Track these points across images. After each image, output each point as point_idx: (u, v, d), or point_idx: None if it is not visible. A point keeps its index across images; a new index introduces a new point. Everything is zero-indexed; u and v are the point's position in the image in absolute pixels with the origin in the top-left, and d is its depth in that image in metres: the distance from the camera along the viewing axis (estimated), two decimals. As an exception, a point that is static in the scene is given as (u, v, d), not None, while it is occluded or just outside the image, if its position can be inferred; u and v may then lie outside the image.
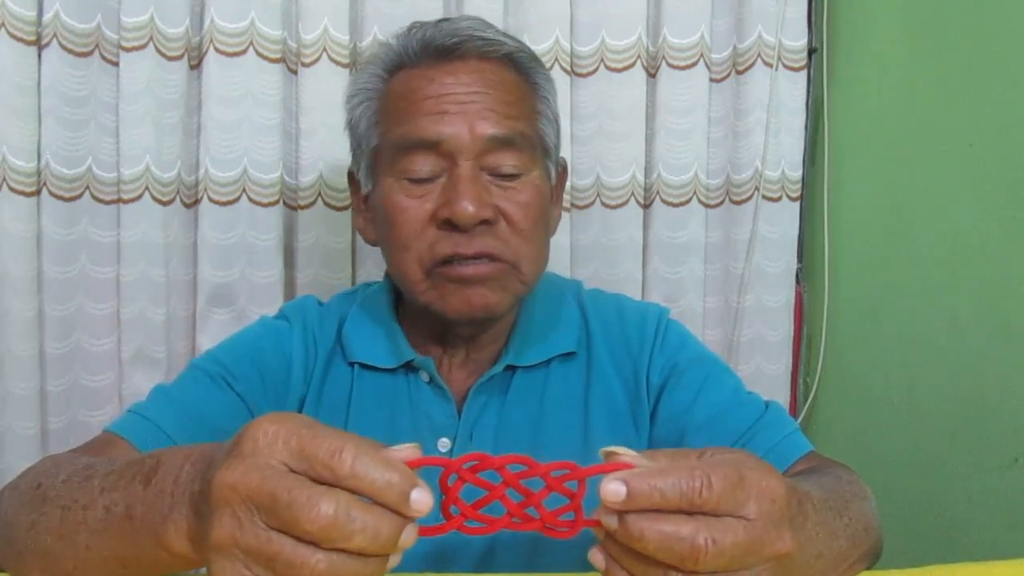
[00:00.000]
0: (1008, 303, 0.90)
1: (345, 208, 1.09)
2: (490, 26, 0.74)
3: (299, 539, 0.38)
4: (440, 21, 0.74)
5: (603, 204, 1.16)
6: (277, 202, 1.06)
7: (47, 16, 0.94)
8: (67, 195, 0.98)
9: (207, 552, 0.40)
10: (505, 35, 0.74)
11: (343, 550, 0.38)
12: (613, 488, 0.41)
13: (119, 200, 1.00)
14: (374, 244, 0.77)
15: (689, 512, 0.41)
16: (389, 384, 0.76)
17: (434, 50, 0.71)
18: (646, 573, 0.42)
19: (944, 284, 0.99)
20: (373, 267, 1.12)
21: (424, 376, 0.75)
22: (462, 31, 0.71)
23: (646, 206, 1.17)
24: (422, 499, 0.39)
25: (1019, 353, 0.89)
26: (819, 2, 1.18)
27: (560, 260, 1.13)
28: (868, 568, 0.65)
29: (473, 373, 0.76)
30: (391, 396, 0.76)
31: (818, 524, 0.50)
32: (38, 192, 0.96)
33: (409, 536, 0.40)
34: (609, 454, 0.43)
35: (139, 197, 1.00)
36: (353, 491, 0.39)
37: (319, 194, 1.08)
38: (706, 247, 1.19)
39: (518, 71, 0.74)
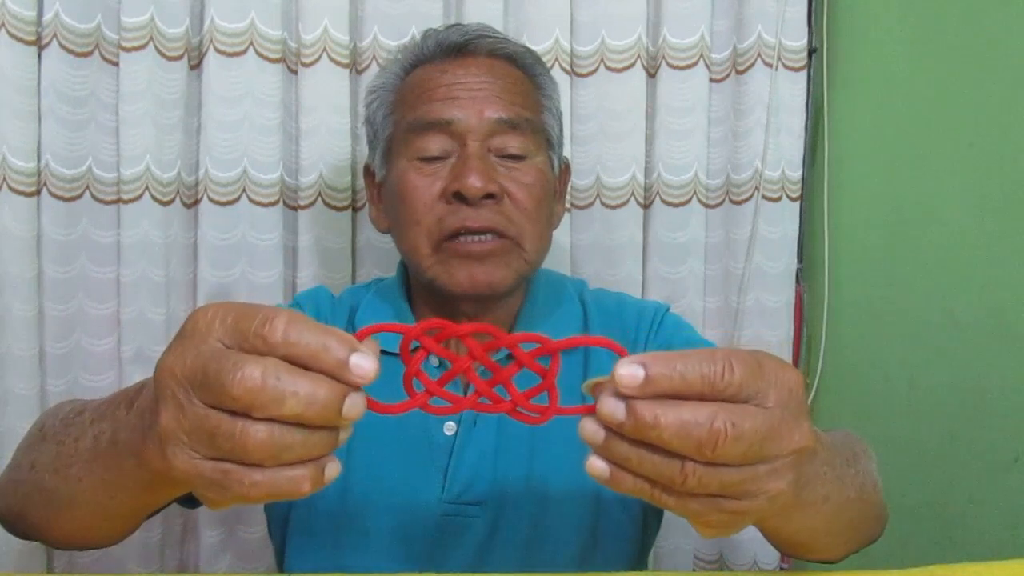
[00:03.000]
0: (1008, 303, 0.90)
1: (345, 208, 1.09)
2: (498, 31, 0.82)
3: (235, 412, 0.37)
4: (452, 25, 0.81)
5: (603, 204, 1.16)
6: (277, 202, 1.06)
7: (47, 16, 0.94)
8: (67, 195, 0.98)
9: (162, 447, 0.40)
10: (511, 39, 0.81)
11: (284, 421, 0.37)
12: (630, 371, 0.38)
13: (119, 200, 1.00)
14: (386, 232, 0.82)
15: (707, 399, 0.38)
16: (399, 368, 0.77)
17: (447, 47, 0.78)
18: (658, 469, 0.39)
19: (944, 284, 0.99)
20: (373, 267, 1.12)
21: (433, 360, 0.77)
22: (472, 31, 0.78)
23: (646, 206, 1.17)
24: (362, 364, 0.38)
25: (1019, 352, 0.89)
26: (819, 2, 1.18)
27: (560, 260, 1.13)
28: (872, 541, 0.65)
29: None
30: (400, 380, 0.77)
31: (826, 464, 0.49)
32: (38, 192, 0.96)
33: (355, 405, 0.38)
34: (593, 385, 0.40)
35: (139, 197, 1.00)
36: (288, 358, 0.38)
37: (319, 194, 1.08)
38: (706, 247, 1.19)
39: (523, 69, 0.80)
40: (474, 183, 0.71)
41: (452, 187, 0.73)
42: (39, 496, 0.55)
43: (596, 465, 0.40)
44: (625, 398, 0.38)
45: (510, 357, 0.42)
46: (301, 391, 0.37)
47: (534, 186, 0.76)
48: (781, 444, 0.39)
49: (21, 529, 0.61)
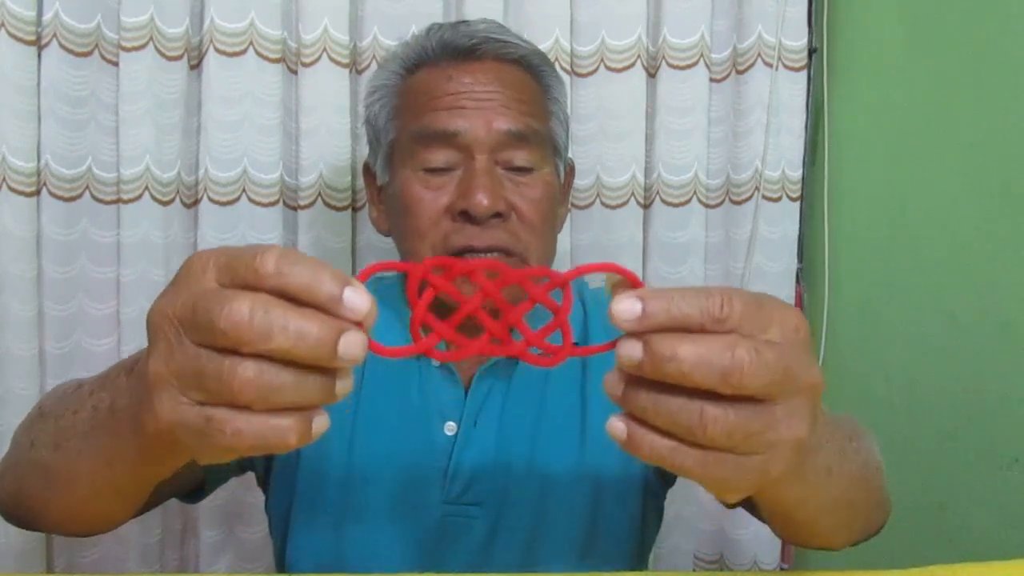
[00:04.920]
0: (1008, 303, 0.90)
1: (345, 208, 1.09)
2: (506, 30, 0.79)
3: (224, 350, 0.36)
4: (458, 23, 0.78)
5: (603, 204, 1.16)
6: (277, 202, 1.06)
7: (47, 16, 0.94)
8: (67, 195, 0.98)
9: (150, 395, 0.38)
10: (519, 39, 0.78)
11: (275, 360, 0.36)
12: (626, 306, 0.36)
13: (119, 200, 1.00)
14: (387, 234, 0.81)
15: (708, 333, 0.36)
16: (400, 368, 0.78)
17: (453, 50, 0.75)
18: (675, 417, 0.37)
19: (944, 284, 0.99)
20: (373, 267, 1.12)
21: (435, 361, 0.76)
22: (480, 33, 0.75)
23: (646, 206, 1.17)
24: (356, 298, 0.36)
25: (1019, 353, 0.89)
26: (819, 2, 1.18)
27: (560, 260, 1.13)
28: (874, 532, 0.65)
29: (478, 360, 0.78)
30: (402, 379, 0.77)
31: (827, 433, 0.48)
32: (38, 192, 0.96)
33: (351, 343, 0.36)
34: (616, 283, 0.39)
35: (139, 197, 1.00)
36: (279, 291, 0.36)
37: (319, 194, 1.08)
38: (706, 247, 1.19)
39: (531, 73, 0.78)
40: (481, 201, 0.69)
41: (459, 205, 0.71)
42: (38, 474, 0.55)
43: (615, 426, 0.39)
44: (642, 337, 0.37)
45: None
46: (290, 325, 0.35)
47: (541, 201, 0.74)
48: (797, 382, 0.38)
49: (19, 514, 0.61)
